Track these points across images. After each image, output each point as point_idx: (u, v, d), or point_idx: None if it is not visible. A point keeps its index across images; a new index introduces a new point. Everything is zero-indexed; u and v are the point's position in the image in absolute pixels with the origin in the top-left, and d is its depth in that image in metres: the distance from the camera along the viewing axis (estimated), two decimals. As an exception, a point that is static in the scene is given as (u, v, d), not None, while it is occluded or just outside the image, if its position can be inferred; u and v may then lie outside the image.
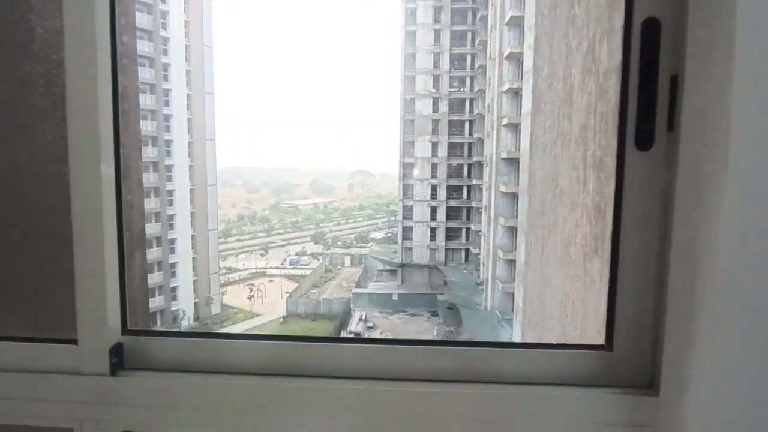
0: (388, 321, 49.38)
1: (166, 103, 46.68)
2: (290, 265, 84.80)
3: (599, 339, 0.80)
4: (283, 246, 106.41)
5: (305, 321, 49.94)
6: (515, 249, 37.51)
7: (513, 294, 38.49)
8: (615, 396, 0.73)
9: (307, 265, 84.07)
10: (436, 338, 43.63)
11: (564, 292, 0.96)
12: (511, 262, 38.59)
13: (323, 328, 45.20)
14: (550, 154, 1.04)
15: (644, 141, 0.72)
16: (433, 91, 56.04)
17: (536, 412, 0.76)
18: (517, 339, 33.98)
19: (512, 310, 38.79)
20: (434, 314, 50.48)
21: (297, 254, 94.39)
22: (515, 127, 36.63)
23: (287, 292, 58.13)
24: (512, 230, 38.11)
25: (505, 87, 36.83)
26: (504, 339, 37.80)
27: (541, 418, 0.76)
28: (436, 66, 55.74)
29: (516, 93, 36.09)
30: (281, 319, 50.56)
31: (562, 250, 0.98)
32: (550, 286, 1.02)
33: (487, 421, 0.79)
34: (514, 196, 37.59)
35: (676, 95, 0.72)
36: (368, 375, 0.84)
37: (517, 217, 36.35)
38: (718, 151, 0.67)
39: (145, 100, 44.45)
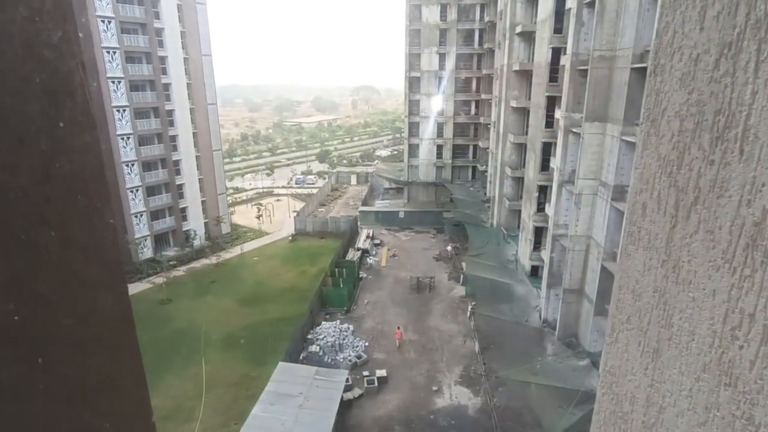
0: (394, 238, 50.29)
1: (157, 16, 43.72)
2: (296, 184, 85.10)
3: None
4: (288, 165, 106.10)
5: (313, 239, 50.95)
6: (523, 166, 36.94)
7: (519, 211, 38.69)
8: None
9: (313, 183, 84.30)
10: (442, 254, 44.67)
11: (734, 307, 0.63)
12: (519, 180, 38.22)
13: (331, 246, 46.15)
14: (714, 66, 0.65)
15: None
16: (442, -5, 51.80)
17: None
18: (523, 257, 34.34)
19: (518, 227, 39.25)
20: (440, 231, 51.21)
21: (303, 173, 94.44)
22: (529, 36, 34.18)
23: (294, 211, 58.78)
24: (521, 147, 37.20)
25: (521, -11, 33.80)
26: (509, 255, 38.64)
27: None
28: (445, -33, 50.96)
29: (533, -4, 33.22)
30: (290, 237, 51.57)
31: (734, 238, 0.64)
32: (692, 287, 0.70)
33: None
34: (524, 112, 36.14)
35: None
36: None
37: (527, 133, 35.24)
38: None
39: (133, 12, 41.59)
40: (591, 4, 22.61)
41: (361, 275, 40.03)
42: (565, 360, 25.11)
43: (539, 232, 31.86)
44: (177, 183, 47.45)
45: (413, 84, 54.42)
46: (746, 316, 0.67)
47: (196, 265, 44.53)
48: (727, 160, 0.71)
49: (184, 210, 48.58)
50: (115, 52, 40.21)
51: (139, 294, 37.46)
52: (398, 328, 31.23)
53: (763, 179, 0.64)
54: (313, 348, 29.38)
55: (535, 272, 32.77)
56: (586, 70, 22.73)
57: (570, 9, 24.80)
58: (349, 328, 31.64)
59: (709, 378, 0.74)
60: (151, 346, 28.97)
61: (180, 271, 42.74)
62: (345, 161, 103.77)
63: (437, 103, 54.41)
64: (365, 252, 44.85)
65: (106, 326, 0.99)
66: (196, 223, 49.47)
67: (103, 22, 39.12)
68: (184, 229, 48.20)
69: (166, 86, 45.41)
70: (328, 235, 50.63)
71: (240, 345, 30.67)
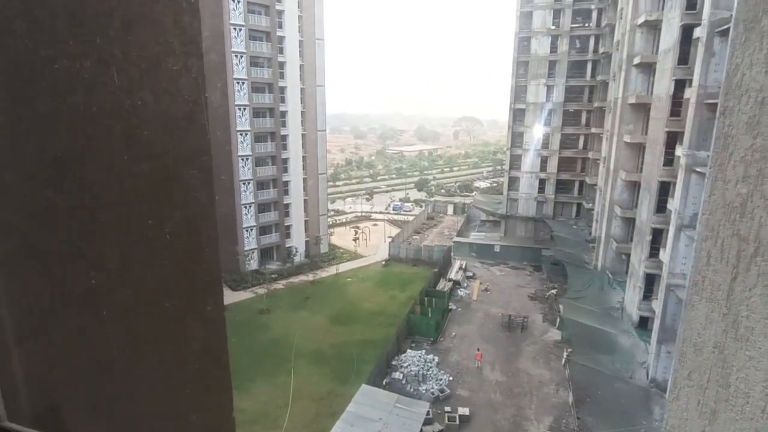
0: (488, 272, 48.77)
1: (281, 51, 48.35)
2: (393, 210, 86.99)
3: None
4: (387, 191, 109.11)
5: (406, 266, 51.34)
6: (635, 206, 33.96)
7: (628, 255, 35.43)
8: None
9: (409, 211, 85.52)
10: (538, 293, 42.29)
11: None
12: (630, 221, 35.16)
13: (423, 274, 46.09)
14: None
15: None
16: (553, 27, 50.61)
17: None
18: (631, 305, 31.45)
19: (626, 272, 35.89)
20: (537, 269, 48.61)
21: (400, 200, 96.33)
22: (649, 68, 31.92)
23: (390, 237, 59.91)
24: (633, 185, 34.36)
25: (641, 19, 31.86)
26: (614, 302, 35.37)
27: None
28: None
29: (654, 27, 31.11)
30: (383, 262, 52.52)
31: None
32: (750, 344, 0.63)
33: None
34: (639, 148, 33.49)
35: None
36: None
37: (641, 171, 32.54)
38: None
39: (261, 48, 46.44)
40: (724, 33, 20.60)
41: (450, 307, 39.30)
42: (676, 428, 22.08)
43: (651, 280, 28.86)
44: (284, 202, 51.08)
45: (517, 116, 53.33)
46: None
47: (295, 280, 47.08)
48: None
49: (288, 228, 51.98)
50: (243, 83, 45.05)
51: (242, 302, 40.50)
52: (478, 349, 31.54)
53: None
54: (397, 375, 29.23)
55: (643, 324, 29.60)
56: (715, 104, 20.55)
57: (699, 38, 22.80)
58: (434, 359, 31.04)
59: (761, 447, 0.67)
60: (246, 351, 31.02)
61: (280, 285, 45.47)
62: (443, 191, 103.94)
63: (542, 136, 52.60)
64: (457, 284, 44.05)
65: (201, 325, 1.16)
66: (297, 240, 52.58)
67: (236, 56, 44.19)
68: (286, 246, 51.46)
69: (283, 113, 49.63)
70: (421, 263, 50.67)
71: (327, 361, 31.56)
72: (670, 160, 26.93)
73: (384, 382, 28.60)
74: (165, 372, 1.14)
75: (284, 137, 50.10)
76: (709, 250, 0.89)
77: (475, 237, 57.82)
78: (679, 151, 24.79)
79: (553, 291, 41.43)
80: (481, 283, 44.92)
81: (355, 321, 37.75)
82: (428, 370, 29.68)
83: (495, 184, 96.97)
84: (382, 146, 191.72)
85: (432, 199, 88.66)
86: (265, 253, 50.02)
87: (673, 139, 26.63)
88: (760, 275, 0.71)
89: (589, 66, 50.08)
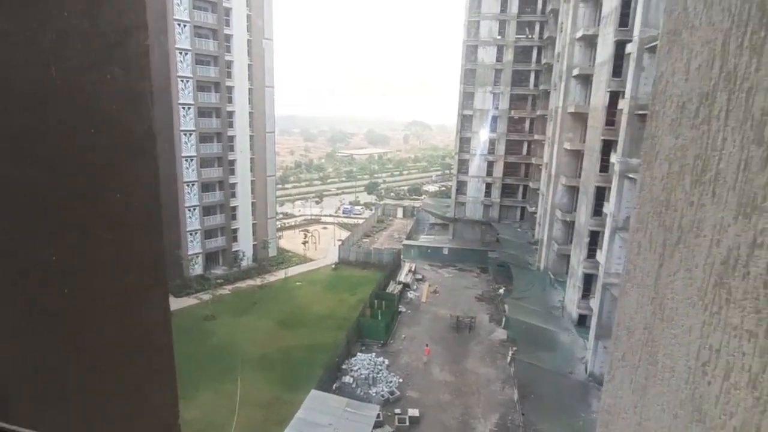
0: (437, 274, 49.69)
1: (228, 49, 47.03)
2: (343, 213, 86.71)
3: None
4: (337, 194, 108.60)
5: (355, 269, 51.30)
6: (575, 210, 35.85)
7: (568, 256, 37.30)
8: None
9: (359, 214, 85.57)
10: (484, 294, 43.58)
11: (707, 345, 0.64)
12: (570, 224, 37.04)
13: (373, 277, 46.24)
14: (695, 114, 0.69)
15: None
16: (499, 37, 52.56)
17: None
18: (571, 304, 32.93)
19: (566, 273, 37.76)
20: (484, 270, 50.09)
21: (350, 203, 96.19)
22: (586, 79, 33.85)
23: (339, 240, 59.65)
24: (573, 190, 36.25)
25: (579, 34, 33.75)
26: (555, 301, 37.08)
27: None
28: (503, 10, 51.91)
29: (591, 41, 33.06)
30: (333, 266, 52.19)
31: (707, 277, 0.65)
32: (673, 324, 0.70)
33: None
34: (578, 154, 35.41)
35: None
36: None
37: (580, 176, 34.40)
38: None
39: (207, 45, 44.97)
40: (652, 50, 22.22)
41: (400, 309, 39.65)
42: (611, 419, 23.42)
43: (589, 279, 30.52)
44: (231, 205, 49.62)
45: (465, 122, 54.83)
46: (714, 351, 0.69)
47: (242, 285, 45.79)
48: (702, 202, 0.75)
49: (235, 231, 50.52)
50: (188, 81, 43.41)
51: (185, 309, 38.88)
52: (426, 345, 32.82)
53: (729, 220, 0.67)
54: (347, 379, 29.10)
55: (582, 321, 31.23)
56: (645, 114, 22.12)
57: (630, 53, 24.46)
58: (384, 362, 31.19)
59: (684, 414, 0.75)
60: (190, 359, 29.78)
61: (226, 290, 44.07)
62: (393, 194, 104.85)
63: (488, 142, 54.38)
64: (406, 286, 44.53)
65: (145, 329, 1.11)
66: (245, 244, 51.20)
67: (180, 53, 42.51)
68: (233, 250, 49.97)
69: (231, 114, 48.26)
70: (371, 266, 50.81)
71: (275, 367, 30.91)
72: (605, 166, 28.63)
73: (334, 387, 28.38)
74: (106, 379, 1.09)
75: (231, 138, 48.72)
76: (640, 241, 0.97)
77: (424, 240, 58.76)
78: (614, 158, 26.43)
79: (501, 291, 42.84)
80: (430, 285, 45.67)
81: (304, 325, 37.24)
82: (378, 373, 29.77)
83: (444, 188, 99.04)
84: (332, 149, 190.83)
85: (382, 203, 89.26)
86: (211, 258, 48.32)
87: (608, 147, 28.35)
88: (682, 261, 0.80)
89: (533, 76, 52.37)
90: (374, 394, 27.85)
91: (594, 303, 27.81)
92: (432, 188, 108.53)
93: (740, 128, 0.66)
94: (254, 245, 52.21)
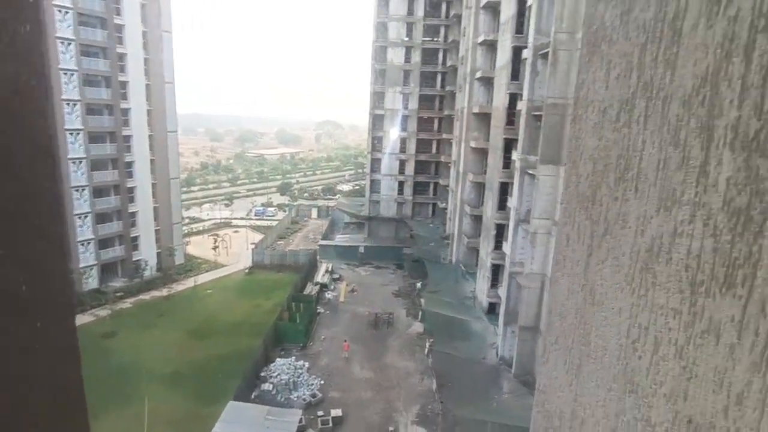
0: (354, 273, 49.95)
1: (120, 41, 43.16)
2: (256, 215, 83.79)
3: (718, 418, 0.58)
4: (248, 196, 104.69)
5: (271, 272, 49.85)
6: (482, 205, 38.06)
7: (477, 249, 39.52)
8: None
9: (273, 216, 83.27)
10: (401, 290, 44.69)
11: (636, 323, 0.72)
12: (478, 218, 39.25)
13: (289, 279, 45.29)
14: (616, 118, 0.78)
15: None
16: (406, 39, 54.04)
17: None
18: (481, 293, 34.67)
19: (476, 265, 39.97)
20: (400, 267, 51.34)
21: (263, 205, 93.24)
22: (489, 81, 36.01)
23: (252, 243, 57.57)
24: (480, 186, 38.44)
25: (480, 39, 35.79)
26: (467, 292, 39.09)
27: None
28: (410, 13, 53.45)
29: (491, 46, 35.21)
30: (247, 270, 50.24)
31: (633, 263, 0.73)
32: (604, 307, 0.79)
33: None
34: (483, 152, 37.60)
35: None
36: None
37: (485, 173, 36.56)
38: None
39: (95, 36, 40.92)
40: (545, 56, 24.23)
41: (318, 310, 39.29)
42: (520, 398, 25.23)
43: (497, 270, 32.54)
44: (130, 210, 45.71)
45: (377, 121, 55.67)
46: (642, 329, 0.78)
47: (146, 297, 42.43)
48: (626, 197, 0.84)
49: (135, 239, 46.63)
50: (72, 74, 39.16)
51: (80, 327, 34.84)
52: (345, 340, 33.22)
53: (651, 213, 0.77)
54: (266, 386, 28.23)
55: (492, 309, 33.24)
56: (540, 115, 24.09)
57: (526, 59, 26.45)
58: (304, 365, 30.72)
59: (617, 387, 0.84)
60: (89, 383, 26.80)
61: (127, 303, 40.55)
62: (306, 194, 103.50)
63: (399, 141, 55.73)
64: (324, 287, 44.22)
65: (49, 353, 0.99)
66: (147, 252, 47.47)
67: (62, 43, 38.22)
68: (134, 259, 46.10)
69: (125, 111, 44.40)
70: (287, 269, 49.71)
71: (188, 382, 29.08)
72: (508, 163, 30.71)
73: (253, 395, 27.39)
74: (5, 407, 0.96)
75: (128, 138, 44.84)
76: (568, 234, 1.07)
77: (340, 239, 58.76)
78: (515, 155, 28.44)
79: (419, 285, 44.17)
80: (347, 285, 45.79)
81: (217, 335, 35.45)
82: (299, 377, 29.27)
83: (357, 187, 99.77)
84: (241, 149, 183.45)
85: (296, 203, 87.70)
86: (108, 269, 44.13)
87: (510, 145, 30.43)
88: (609, 250, 0.89)
89: (439, 77, 54.57)
90: (296, 399, 27.34)
91: (502, 291, 29.74)
92: (346, 187, 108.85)
93: (658, 132, 0.76)
94: (158, 253, 48.60)
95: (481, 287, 35.37)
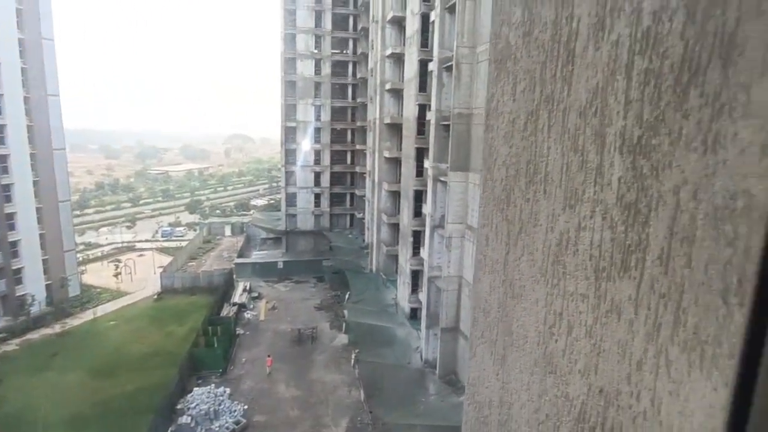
0: (273, 289, 48.41)
1: (-11, 49, 38.33)
2: (163, 236, 78.13)
3: (622, 385, 0.63)
4: (153, 217, 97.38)
5: (183, 296, 46.70)
6: (398, 213, 38.96)
7: (397, 256, 40.31)
8: None
9: (182, 236, 78.16)
10: (323, 303, 44.12)
11: (551, 310, 0.80)
12: (395, 226, 40.09)
13: (204, 302, 42.76)
14: (524, 127, 0.86)
15: None
16: (315, 51, 54.09)
17: None
18: (403, 299, 35.28)
19: (396, 272, 40.72)
20: (321, 280, 50.69)
21: (170, 225, 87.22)
22: (398, 93, 37.12)
23: (161, 267, 53.60)
24: (395, 195, 39.35)
25: (388, 52, 36.86)
26: (389, 299, 39.63)
27: None
28: (318, 25, 53.62)
29: (399, 58, 36.39)
30: (155, 296, 46.62)
31: (545, 255, 0.81)
32: (523, 299, 0.87)
33: None
34: (397, 162, 38.59)
35: None
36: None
37: (400, 182, 37.51)
38: None
39: (-42, 43, 36.02)
40: (449, 68, 25.55)
41: (238, 332, 37.53)
42: (446, 398, 26.01)
43: (416, 275, 33.40)
44: (10, 239, 40.47)
45: (289, 133, 54.91)
46: (557, 315, 0.88)
47: (34, 335, 37.68)
48: (536, 198, 0.94)
49: (18, 271, 41.35)
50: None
51: (-50, 378, 30.26)
52: (268, 355, 32.60)
53: (558, 211, 0.87)
54: (184, 419, 26.30)
55: (414, 314, 34.00)
56: (449, 125, 25.30)
57: (432, 71, 27.69)
58: (225, 391, 29.09)
59: (539, 370, 0.93)
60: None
61: (12, 345, 35.73)
62: (218, 211, 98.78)
63: (314, 153, 55.42)
64: (242, 306, 42.38)
65: None
66: (34, 286, 42.26)
67: None
68: (18, 294, 40.79)
69: (0, 128, 39.43)
70: (201, 291, 46.93)
71: (91, 425, 26.20)
72: (420, 171, 31.80)
73: (170, 431, 25.37)
74: None
75: (4, 158, 39.81)
76: (487, 234, 1.16)
77: (257, 256, 56.80)
78: (427, 164, 29.53)
79: (347, 297, 43.88)
80: (267, 302, 44.30)
81: (125, 370, 32.42)
82: (220, 405, 27.64)
83: (273, 201, 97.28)
84: (142, 166, 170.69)
85: (207, 221, 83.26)
86: (-15, 308, 38.61)
87: (421, 154, 31.55)
88: (524, 247, 0.98)
89: (350, 89, 55.23)
90: (218, 429, 25.77)
91: (422, 296, 30.55)
92: (260, 202, 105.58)
93: (560, 139, 0.86)
94: (49, 285, 43.49)
95: (402, 293, 36.06)
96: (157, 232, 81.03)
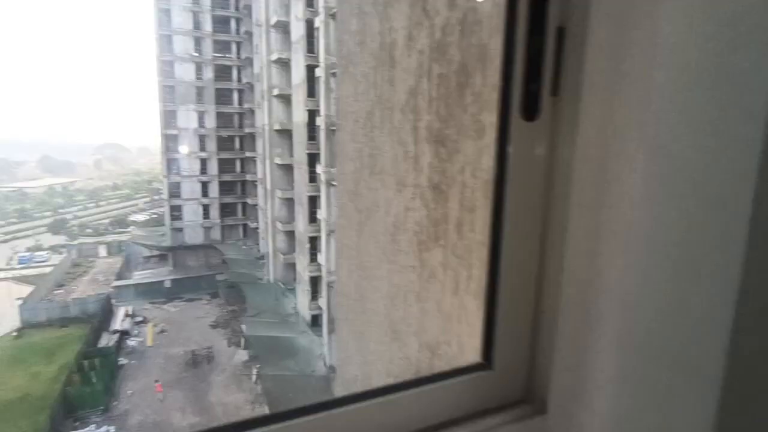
0: (161, 311, 44.61)
1: None
2: (21, 264, 67.84)
3: (446, 339, 0.73)
4: (6, 241, 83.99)
5: (51, 329, 40.86)
6: (294, 220, 38.34)
7: (294, 264, 39.60)
8: (502, 424, 0.64)
9: (45, 261, 68.52)
10: (219, 319, 41.72)
11: (392, 283, 0.91)
12: (291, 234, 39.36)
13: (77, 334, 37.92)
14: (364, 125, 0.97)
15: (531, 109, 0.59)
16: (196, 54, 51.15)
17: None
18: (303, 307, 34.97)
19: (295, 280, 39.98)
20: (215, 296, 47.90)
21: (29, 249, 76.10)
22: (287, 99, 36.60)
23: (20, 298, 46.38)
24: (290, 202, 38.67)
25: (274, 56, 36.20)
26: (289, 309, 38.74)
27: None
28: (197, 27, 50.76)
29: (286, 64, 35.89)
30: (15, 333, 40.21)
31: (386, 237, 0.92)
32: (372, 277, 0.97)
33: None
34: (289, 168, 37.98)
35: (562, 52, 0.59)
36: None
37: (293, 188, 36.98)
38: (616, 127, 0.57)
39: None
40: (335, 74, 25.87)
41: (120, 362, 33.99)
42: (351, 401, 26.14)
43: (315, 282, 33.17)
44: None
45: (170, 142, 51.24)
46: (396, 287, 1.01)
47: None
48: (377, 187, 1.07)
49: None
50: None
51: None
52: (156, 381, 30.72)
53: (392, 196, 1.00)
54: (58, 468, 23.17)
55: (315, 321, 33.71)
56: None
57: (319, 77, 27.79)
58: (108, 431, 26.19)
59: (387, 339, 1.06)
60: None
61: None
62: (90, 230, 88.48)
63: (199, 162, 52.36)
64: (125, 333, 38.50)
65: None
66: None
67: None
68: None
69: None
70: (73, 322, 41.57)
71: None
72: (313, 177, 31.69)
73: (40, 485, 22.16)
74: None
75: None
76: (343, 224, 1.26)
77: (139, 276, 51.97)
78: (319, 169, 29.53)
79: (252, 313, 41.91)
80: (154, 325, 40.76)
81: (-23, 423, 27.60)
82: (104, 445, 24.86)
83: (156, 215, 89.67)
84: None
85: (76, 243, 74.11)
86: None
87: (313, 159, 31.47)
88: (371, 232, 1.11)
89: (236, 94, 53.16)
90: (101, 472, 23.13)
91: (322, 302, 30.44)
92: (141, 217, 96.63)
93: (389, 134, 0.99)
94: None
95: (302, 302, 35.57)
96: (12, 258, 70.35)
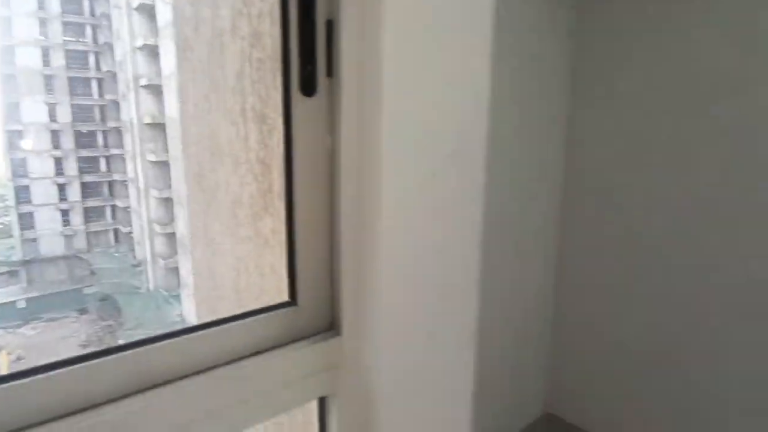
0: (16, 336, 38.48)
1: None
2: None
3: (281, 297, 0.83)
4: None
5: None
6: (174, 221, 35.57)
7: (177, 268, 36.82)
8: (307, 346, 0.77)
9: None
10: (91, 337, 37.36)
11: (235, 256, 0.96)
12: (171, 236, 36.46)
13: None
14: (202, 108, 0.99)
15: (308, 86, 0.72)
16: (42, 38, 44.53)
17: (234, 393, 0.71)
18: (190, 313, 33.05)
19: (178, 286, 37.19)
20: (84, 311, 42.70)
21: None
22: (158, 89, 33.67)
23: None
24: (168, 201, 35.75)
25: (140, 43, 33.05)
26: (174, 316, 36.02)
27: (243, 398, 0.72)
28: (41, 7, 44.17)
29: (154, 51, 32.93)
30: None
31: (228, 213, 0.96)
32: (219, 254, 1.01)
33: (182, 426, 0.67)
34: (165, 164, 35.07)
35: (332, 40, 0.73)
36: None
37: (171, 186, 34.27)
38: (373, 99, 0.70)
39: None
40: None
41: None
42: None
43: (201, 285, 31.35)
44: None
45: (14, 139, 44.15)
46: (239, 258, 1.09)
47: None
48: (217, 168, 1.14)
49: None
50: None
51: None
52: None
53: (229, 175, 1.08)
54: None
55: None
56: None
57: (192, 68, 26.07)
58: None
59: (234, 309, 1.14)
60: None
61: None
62: None
63: (54, 161, 46.05)
64: (-33, 365, 32.68)
65: None
66: None
67: None
68: None
69: None
70: None
71: None
72: (193, 174, 29.77)
73: None
74: None
75: None
76: (194, 208, 1.30)
77: (-16, 297, 44.41)
78: (199, 166, 27.84)
79: (131, 329, 37.90)
80: (9, 353, 35.15)
81: None
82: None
83: (1, 226, 76.81)
84: None
85: None
86: None
87: (191, 156, 29.52)
88: (217, 210, 1.17)
89: (95, 84, 47.51)
90: None
91: (211, 305, 28.93)
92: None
93: (223, 116, 1.06)
94: None
95: (188, 307, 33.36)
96: None
